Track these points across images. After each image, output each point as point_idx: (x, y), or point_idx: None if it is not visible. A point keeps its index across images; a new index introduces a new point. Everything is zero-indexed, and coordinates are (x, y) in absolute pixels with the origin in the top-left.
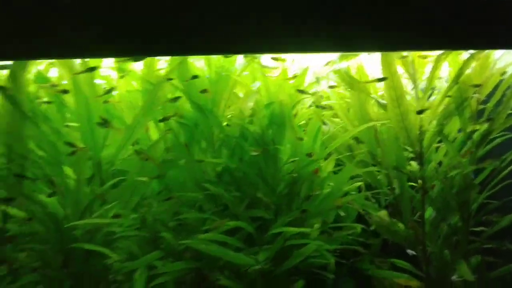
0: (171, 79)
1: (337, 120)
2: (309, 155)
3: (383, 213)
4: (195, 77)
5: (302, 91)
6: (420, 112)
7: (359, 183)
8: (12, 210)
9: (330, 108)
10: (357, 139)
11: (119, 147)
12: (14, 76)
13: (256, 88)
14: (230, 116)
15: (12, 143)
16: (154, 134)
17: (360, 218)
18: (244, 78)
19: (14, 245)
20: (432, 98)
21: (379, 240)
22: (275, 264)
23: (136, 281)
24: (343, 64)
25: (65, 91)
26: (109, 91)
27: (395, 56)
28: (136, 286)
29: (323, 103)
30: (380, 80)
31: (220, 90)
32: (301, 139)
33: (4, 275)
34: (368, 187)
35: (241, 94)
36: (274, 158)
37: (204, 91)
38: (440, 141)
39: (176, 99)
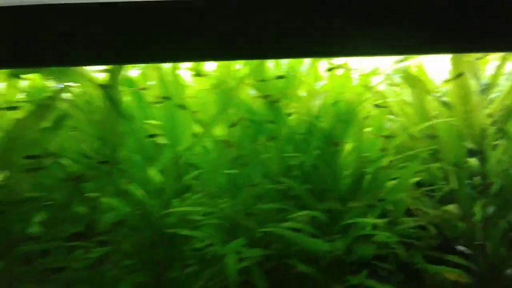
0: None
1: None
2: (380, 150)
3: (451, 207)
4: (280, 77)
5: (368, 90)
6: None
7: (417, 179)
8: (105, 200)
9: (387, 106)
10: (428, 135)
11: (196, 143)
12: (113, 76)
13: (320, 86)
14: (293, 113)
15: (106, 137)
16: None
17: (407, 213)
18: (308, 77)
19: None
20: (496, 95)
21: (429, 235)
22: (346, 253)
23: (228, 265)
24: (404, 63)
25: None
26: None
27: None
28: (228, 269)
29: (382, 101)
30: (454, 78)
31: (287, 89)
32: (367, 136)
33: (103, 259)
34: (419, 183)
35: (303, 93)
36: (341, 153)
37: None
38: (499, 139)
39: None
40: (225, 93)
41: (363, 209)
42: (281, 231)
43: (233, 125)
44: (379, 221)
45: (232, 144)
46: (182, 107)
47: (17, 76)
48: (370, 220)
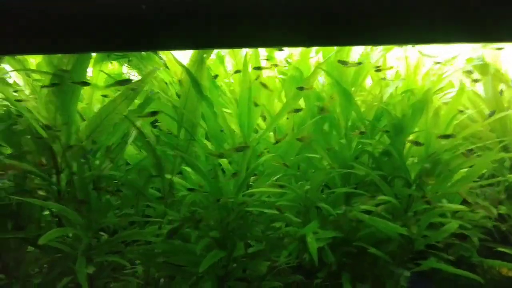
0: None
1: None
2: (446, 136)
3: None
4: (359, 63)
5: (440, 79)
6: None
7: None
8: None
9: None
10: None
11: (266, 129)
12: (199, 61)
13: (392, 75)
14: (364, 100)
15: (185, 119)
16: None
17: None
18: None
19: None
20: None
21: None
22: (416, 238)
23: (309, 244)
24: (477, 53)
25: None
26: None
27: None
28: (310, 247)
29: (453, 90)
30: None
31: (359, 77)
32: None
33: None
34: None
35: (373, 81)
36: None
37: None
38: None
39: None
40: (298, 81)
41: (435, 197)
42: (359, 215)
43: (296, 111)
44: (459, 207)
45: (306, 139)
46: (264, 85)
47: (101, 61)
48: (450, 206)
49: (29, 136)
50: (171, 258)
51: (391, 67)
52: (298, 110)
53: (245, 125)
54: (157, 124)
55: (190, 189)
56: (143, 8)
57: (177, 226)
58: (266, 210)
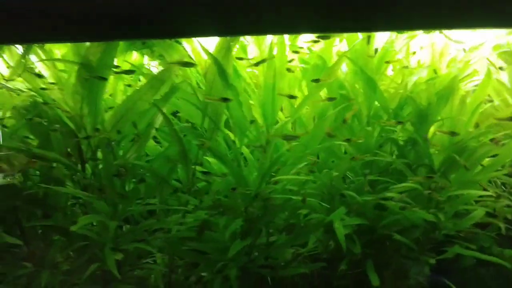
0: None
1: None
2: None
3: None
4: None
5: (467, 66)
6: None
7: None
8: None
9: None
10: None
11: (288, 119)
12: (226, 49)
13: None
14: (387, 88)
15: (210, 108)
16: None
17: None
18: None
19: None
20: None
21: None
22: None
23: (337, 229)
24: (503, 40)
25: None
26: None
27: None
28: (338, 234)
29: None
30: None
31: (382, 64)
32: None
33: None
34: None
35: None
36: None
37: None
38: None
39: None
40: (321, 69)
41: (459, 185)
42: (385, 202)
43: (330, 100)
44: (484, 192)
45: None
46: (290, 70)
47: (125, 51)
48: (478, 192)
49: (56, 126)
50: (196, 246)
51: (414, 53)
52: (331, 99)
53: (269, 114)
54: (178, 114)
55: (233, 189)
56: None
57: (207, 218)
58: (292, 197)
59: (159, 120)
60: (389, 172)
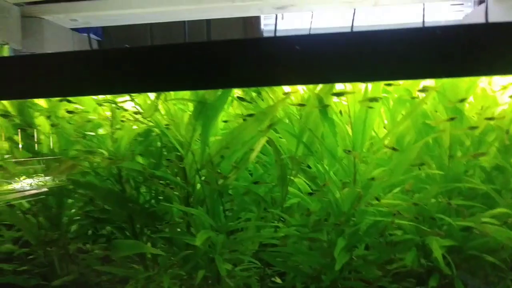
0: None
1: None
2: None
3: None
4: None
5: None
6: None
7: None
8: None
9: None
10: None
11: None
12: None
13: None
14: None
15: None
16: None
17: None
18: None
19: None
20: None
21: None
22: None
23: (434, 249)
24: None
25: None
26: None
27: None
28: (436, 253)
29: None
30: None
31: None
32: None
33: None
34: None
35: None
36: None
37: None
38: None
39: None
40: (405, 101)
41: None
42: (482, 226)
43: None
44: None
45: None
46: (374, 99)
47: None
48: None
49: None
50: (296, 259)
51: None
52: (452, 119)
53: (359, 143)
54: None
55: (309, 194)
56: (297, 49)
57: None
58: (383, 219)
59: (258, 148)
60: (473, 197)
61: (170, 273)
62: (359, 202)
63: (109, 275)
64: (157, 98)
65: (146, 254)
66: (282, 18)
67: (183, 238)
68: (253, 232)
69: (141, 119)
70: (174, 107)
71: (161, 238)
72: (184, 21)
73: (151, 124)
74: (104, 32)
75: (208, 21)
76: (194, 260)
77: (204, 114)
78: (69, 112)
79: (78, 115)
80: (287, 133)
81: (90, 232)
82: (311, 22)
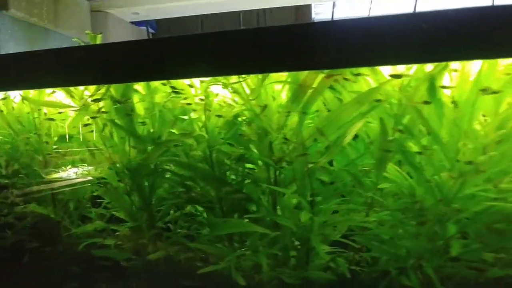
0: None
1: None
2: None
3: None
4: None
5: None
6: None
7: None
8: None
9: None
10: None
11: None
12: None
13: None
14: None
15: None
16: None
17: None
18: None
19: None
20: None
21: None
22: None
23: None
24: None
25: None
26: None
27: None
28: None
29: None
30: None
31: None
32: None
33: None
34: None
35: None
36: None
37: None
38: None
39: None
40: None
41: None
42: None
43: None
44: None
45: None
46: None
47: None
48: None
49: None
50: (400, 244)
51: None
52: None
53: (464, 127)
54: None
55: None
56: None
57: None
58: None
59: (353, 131)
60: None
61: (263, 251)
62: (468, 188)
63: (199, 252)
64: (262, 80)
65: (233, 234)
66: (334, 6)
67: (275, 218)
68: (344, 215)
69: (240, 102)
70: (265, 91)
71: (248, 218)
72: (236, 13)
73: (245, 107)
74: (158, 25)
75: (260, 13)
76: (285, 240)
77: (302, 97)
78: (174, 91)
79: (179, 99)
80: (386, 115)
81: (178, 212)
82: (370, 8)
